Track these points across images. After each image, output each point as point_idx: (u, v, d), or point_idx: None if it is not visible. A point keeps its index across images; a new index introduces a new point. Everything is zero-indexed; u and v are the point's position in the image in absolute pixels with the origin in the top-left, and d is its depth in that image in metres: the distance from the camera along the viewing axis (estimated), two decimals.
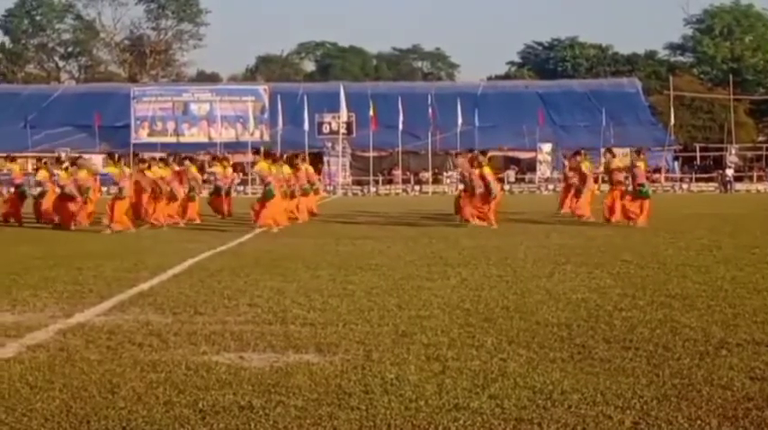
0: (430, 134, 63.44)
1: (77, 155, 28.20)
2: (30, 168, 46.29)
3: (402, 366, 6.87)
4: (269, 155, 24.05)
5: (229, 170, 30.52)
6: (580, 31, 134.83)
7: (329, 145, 63.50)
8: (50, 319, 9.13)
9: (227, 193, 29.34)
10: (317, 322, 8.78)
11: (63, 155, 30.26)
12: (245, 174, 55.67)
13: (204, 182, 28.60)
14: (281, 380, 6.50)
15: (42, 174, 27.38)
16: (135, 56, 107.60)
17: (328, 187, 58.32)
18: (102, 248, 17.91)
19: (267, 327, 8.54)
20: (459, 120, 62.56)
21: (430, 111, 63.75)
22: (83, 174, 24.79)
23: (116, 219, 22.55)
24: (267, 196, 22.47)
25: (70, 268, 13.87)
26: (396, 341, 7.85)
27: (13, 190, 26.59)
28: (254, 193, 50.95)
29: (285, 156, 26.80)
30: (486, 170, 23.52)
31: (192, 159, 27.51)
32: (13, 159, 27.98)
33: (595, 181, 28.65)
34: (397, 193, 61.05)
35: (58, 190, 25.21)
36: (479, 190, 23.02)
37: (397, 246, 17.59)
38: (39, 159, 31.05)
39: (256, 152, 24.58)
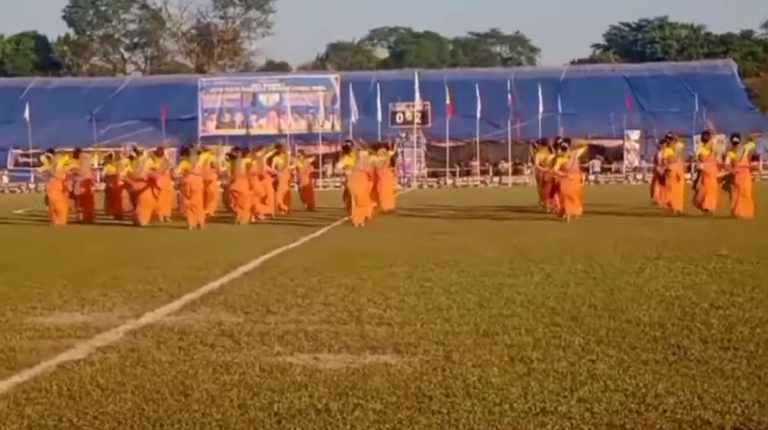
0: (510, 122, 62.97)
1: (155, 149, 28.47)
2: (96, 164, 46.98)
3: (484, 368, 6.85)
4: (347, 148, 24.14)
5: (304, 162, 30.83)
6: (670, 11, 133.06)
7: (403, 135, 63.44)
8: (120, 320, 9.27)
9: (305, 186, 29.77)
10: (394, 321, 8.80)
11: (129, 148, 30.61)
12: (316, 166, 55.80)
13: (272, 175, 28.75)
14: (358, 382, 6.52)
15: (109, 169, 27.85)
16: (202, 45, 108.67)
17: (402, 180, 58.30)
18: (171, 245, 18.13)
19: (342, 327, 8.57)
20: (541, 108, 62.00)
21: (509, 98, 63.29)
22: (157, 165, 25.26)
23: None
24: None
25: (139, 266, 14.06)
26: (477, 341, 7.83)
27: (80, 187, 26.90)
28: (324, 187, 51.23)
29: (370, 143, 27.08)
30: (563, 160, 23.48)
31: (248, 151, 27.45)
32: (76, 155, 28.18)
33: (687, 170, 28.22)
34: (476, 185, 60.79)
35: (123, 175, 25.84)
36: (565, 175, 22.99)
37: (476, 240, 17.54)
38: (109, 156, 31.23)
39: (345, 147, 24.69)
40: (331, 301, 10.05)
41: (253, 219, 24.59)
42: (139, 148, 27.15)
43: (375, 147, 27.23)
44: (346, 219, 22.59)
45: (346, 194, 22.96)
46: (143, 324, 9.00)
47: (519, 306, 9.53)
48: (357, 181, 22.74)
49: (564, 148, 23.99)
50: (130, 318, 9.37)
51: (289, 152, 31.23)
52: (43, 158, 26.83)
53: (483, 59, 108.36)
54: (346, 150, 23.93)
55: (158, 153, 26.04)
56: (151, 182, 24.63)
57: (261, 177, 25.50)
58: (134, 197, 25.10)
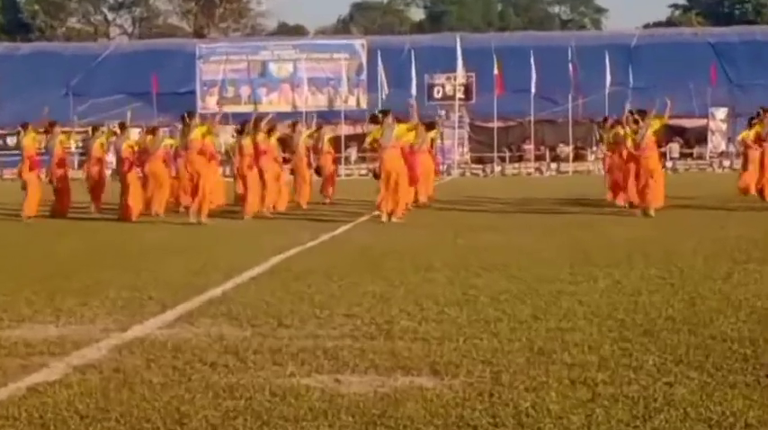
0: (570, 98, 62.77)
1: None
2: (73, 146, 47.14)
3: (540, 392, 6.85)
4: (376, 119, 23.44)
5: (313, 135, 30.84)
6: None
7: (442, 113, 63.32)
8: (102, 333, 9.31)
9: (319, 173, 29.75)
10: (432, 336, 8.80)
11: (112, 126, 30.42)
12: (338, 150, 55.74)
13: (286, 161, 28.77)
14: (387, 409, 6.53)
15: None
16: (201, 5, 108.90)
17: (441, 166, 58.19)
18: (164, 244, 18.20)
19: (369, 343, 8.58)
20: (608, 80, 61.81)
21: (570, 68, 63.09)
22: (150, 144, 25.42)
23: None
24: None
25: (125, 269, 14.12)
26: (531, 360, 7.83)
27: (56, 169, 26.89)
28: (348, 175, 51.26)
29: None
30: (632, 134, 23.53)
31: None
32: (47, 131, 28.04)
33: None
34: (529, 173, 60.75)
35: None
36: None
37: (529, 239, 17.56)
38: (95, 128, 31.06)
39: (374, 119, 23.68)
40: (355, 312, 10.06)
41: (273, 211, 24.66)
42: (128, 124, 27.18)
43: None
44: (376, 212, 22.47)
45: (378, 178, 22.29)
46: (130, 338, 9.03)
47: (581, 318, 9.52)
48: (391, 160, 22.21)
49: (636, 122, 23.93)
50: (115, 331, 9.41)
51: (304, 129, 31.05)
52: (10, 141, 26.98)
53: (538, 22, 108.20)
54: (374, 121, 23.24)
55: (152, 131, 26.20)
56: (133, 163, 24.81)
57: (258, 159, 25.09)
58: (123, 185, 25.10)
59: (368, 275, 12.89)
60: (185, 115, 24.05)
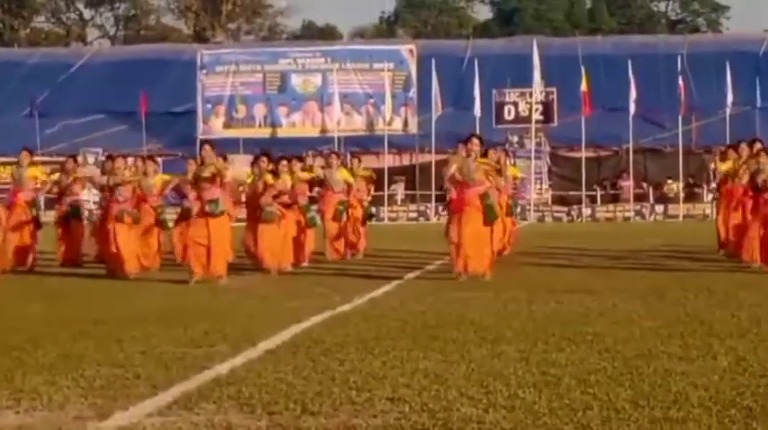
0: (680, 120, 62.63)
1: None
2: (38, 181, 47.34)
3: None
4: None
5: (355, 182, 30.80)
6: None
7: (515, 140, 63.37)
8: (75, 422, 9.32)
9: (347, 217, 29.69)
10: (501, 428, 8.79)
11: (88, 156, 30.33)
12: (379, 187, 55.39)
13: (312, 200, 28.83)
14: None
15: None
16: (203, 0, 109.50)
17: (514, 208, 58.03)
18: (157, 308, 18.22)
19: None
20: (730, 98, 61.65)
21: (680, 82, 63.04)
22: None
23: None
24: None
25: (105, 339, 14.14)
26: None
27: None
28: (393, 219, 51.17)
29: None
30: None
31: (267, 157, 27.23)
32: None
33: None
34: (627, 217, 60.66)
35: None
36: None
37: (628, 303, 17.53)
38: (70, 158, 31.18)
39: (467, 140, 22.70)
40: (403, 396, 10.05)
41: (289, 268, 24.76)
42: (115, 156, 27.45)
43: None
44: (445, 263, 22.43)
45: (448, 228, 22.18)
46: (111, 428, 9.04)
47: (696, 406, 9.47)
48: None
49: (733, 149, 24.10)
50: (91, 418, 9.41)
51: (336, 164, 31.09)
52: None
53: (638, 23, 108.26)
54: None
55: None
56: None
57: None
58: (102, 233, 25.27)
59: (418, 349, 12.87)
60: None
